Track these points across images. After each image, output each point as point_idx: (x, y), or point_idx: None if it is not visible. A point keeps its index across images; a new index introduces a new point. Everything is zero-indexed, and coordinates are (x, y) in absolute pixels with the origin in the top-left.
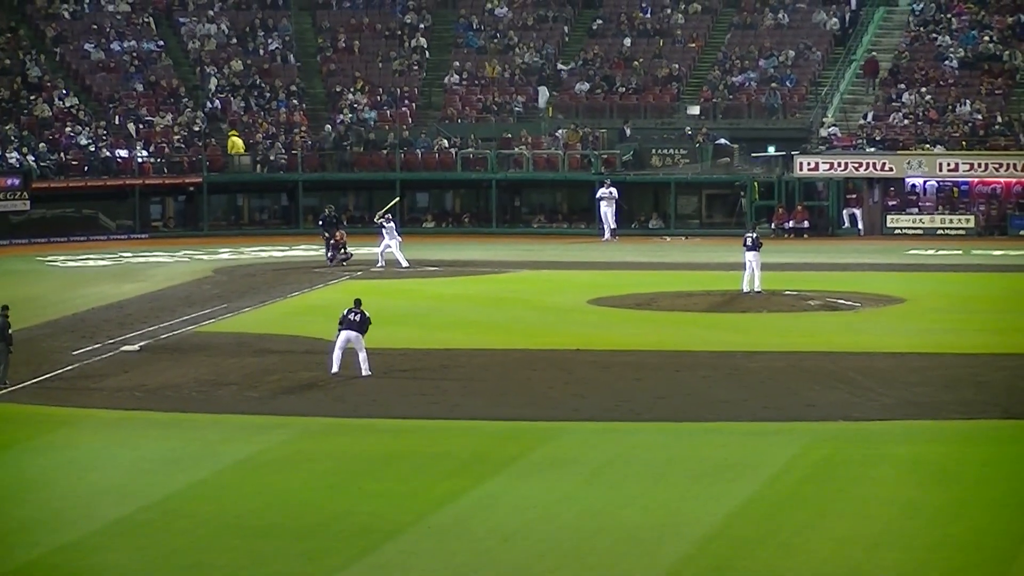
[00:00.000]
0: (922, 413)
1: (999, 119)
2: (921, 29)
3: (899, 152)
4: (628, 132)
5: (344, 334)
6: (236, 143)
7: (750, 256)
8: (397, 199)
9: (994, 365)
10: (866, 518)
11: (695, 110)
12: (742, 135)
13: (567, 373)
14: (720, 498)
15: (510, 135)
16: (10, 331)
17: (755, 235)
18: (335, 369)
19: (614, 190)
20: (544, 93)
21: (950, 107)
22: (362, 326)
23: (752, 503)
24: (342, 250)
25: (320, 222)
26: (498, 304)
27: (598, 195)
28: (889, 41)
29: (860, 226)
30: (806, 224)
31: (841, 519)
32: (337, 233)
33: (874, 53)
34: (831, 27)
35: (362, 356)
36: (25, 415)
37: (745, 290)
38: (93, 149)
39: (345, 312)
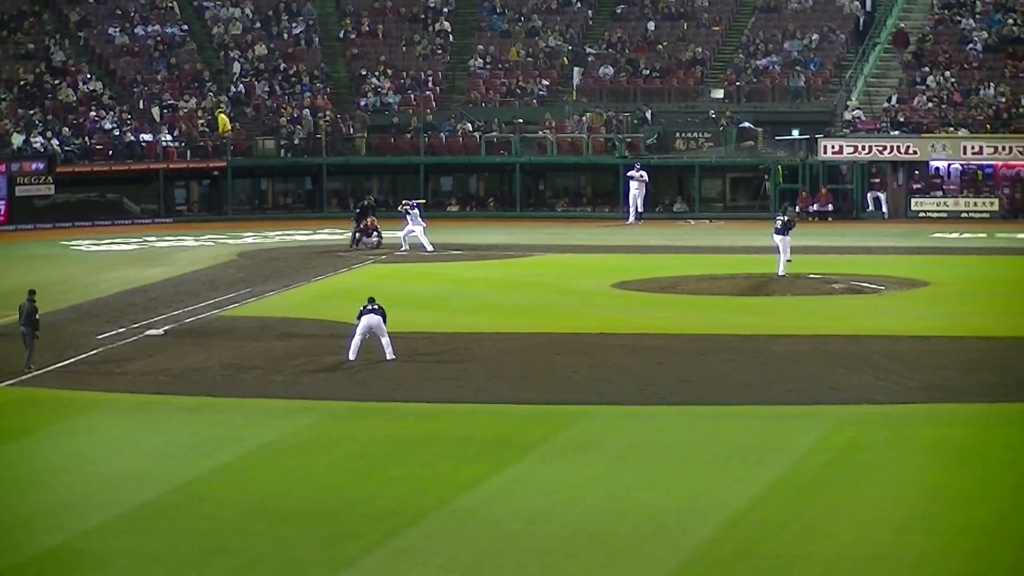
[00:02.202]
0: (946, 396)
1: (1023, 102)
2: (945, 12)
3: (923, 135)
4: (650, 117)
5: (366, 320)
6: (223, 121)
7: (778, 239)
8: (423, 200)
9: (1019, 348)
10: (890, 501)
11: (719, 93)
12: (766, 118)
13: (591, 357)
14: (744, 482)
15: (520, 119)
16: (37, 315)
17: (785, 218)
18: (353, 357)
19: (644, 173)
20: (578, 74)
21: (974, 90)
22: (381, 313)
23: (776, 487)
24: (373, 235)
25: (358, 209)
26: (522, 288)
27: (628, 175)
28: (913, 24)
29: (884, 209)
30: (830, 207)
31: (865, 502)
32: (368, 219)
33: (903, 24)
34: (855, 10)
35: (385, 341)
36: (50, 399)
37: (780, 273)
38: (117, 133)
39: (362, 308)
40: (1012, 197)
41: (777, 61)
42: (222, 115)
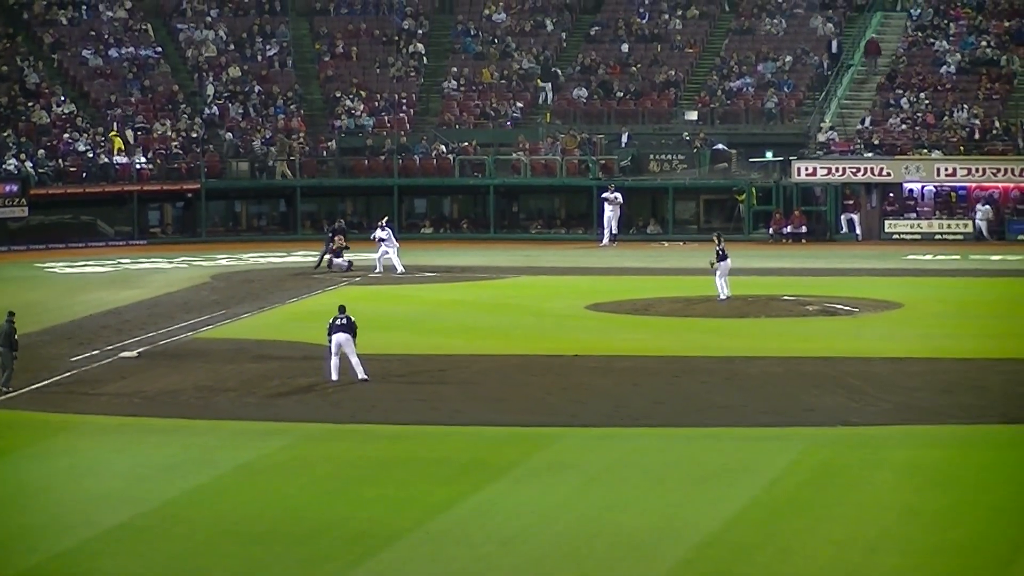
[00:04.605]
0: (921, 418)
1: (997, 124)
2: (919, 34)
3: (897, 157)
4: (625, 140)
5: (335, 339)
6: (118, 144)
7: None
8: (386, 217)
9: (992, 370)
10: (864, 523)
11: (693, 115)
12: (740, 140)
13: (565, 379)
14: (718, 503)
15: (482, 142)
16: (16, 336)
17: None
18: (335, 377)
19: (619, 195)
20: (548, 91)
21: (948, 112)
22: (351, 329)
23: (750, 508)
24: (343, 255)
25: (329, 233)
26: (496, 310)
27: (603, 196)
28: (887, 46)
29: (858, 231)
30: (804, 229)
31: (839, 524)
32: (336, 238)
33: (874, 35)
34: (828, 32)
35: (355, 360)
36: (23, 421)
37: (722, 297)
38: (91, 155)
39: (332, 320)
40: (986, 219)
41: (751, 83)
42: (117, 138)
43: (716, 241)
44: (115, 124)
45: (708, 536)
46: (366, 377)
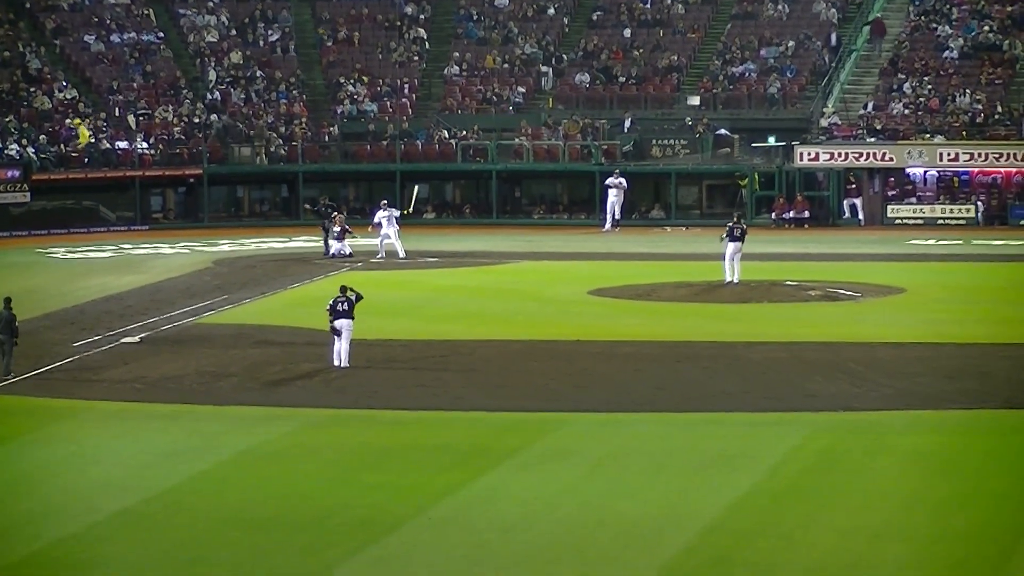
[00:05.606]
0: (923, 403)
1: (999, 109)
2: (921, 19)
3: (899, 142)
4: (627, 125)
5: (338, 324)
6: (83, 133)
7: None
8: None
9: (996, 355)
10: (867, 510)
11: (695, 100)
12: (742, 125)
13: (568, 364)
14: (721, 489)
15: (485, 127)
16: (16, 323)
17: (732, 225)
18: (338, 362)
19: (623, 180)
20: (550, 75)
21: (950, 97)
22: (352, 312)
23: (753, 494)
24: (345, 239)
25: (321, 209)
26: (498, 295)
27: (607, 182)
28: (889, 31)
29: (860, 216)
30: (806, 214)
31: (842, 511)
32: (335, 215)
33: (880, 15)
34: (831, 17)
35: (346, 347)
36: (26, 407)
37: (727, 280)
38: (93, 141)
39: (333, 302)
40: (988, 204)
41: (753, 68)
42: (82, 127)
43: (735, 220)
44: (114, 111)
45: (711, 522)
46: (347, 365)
